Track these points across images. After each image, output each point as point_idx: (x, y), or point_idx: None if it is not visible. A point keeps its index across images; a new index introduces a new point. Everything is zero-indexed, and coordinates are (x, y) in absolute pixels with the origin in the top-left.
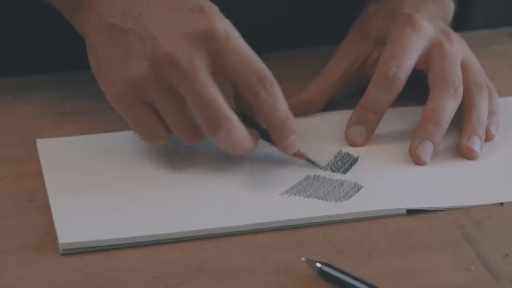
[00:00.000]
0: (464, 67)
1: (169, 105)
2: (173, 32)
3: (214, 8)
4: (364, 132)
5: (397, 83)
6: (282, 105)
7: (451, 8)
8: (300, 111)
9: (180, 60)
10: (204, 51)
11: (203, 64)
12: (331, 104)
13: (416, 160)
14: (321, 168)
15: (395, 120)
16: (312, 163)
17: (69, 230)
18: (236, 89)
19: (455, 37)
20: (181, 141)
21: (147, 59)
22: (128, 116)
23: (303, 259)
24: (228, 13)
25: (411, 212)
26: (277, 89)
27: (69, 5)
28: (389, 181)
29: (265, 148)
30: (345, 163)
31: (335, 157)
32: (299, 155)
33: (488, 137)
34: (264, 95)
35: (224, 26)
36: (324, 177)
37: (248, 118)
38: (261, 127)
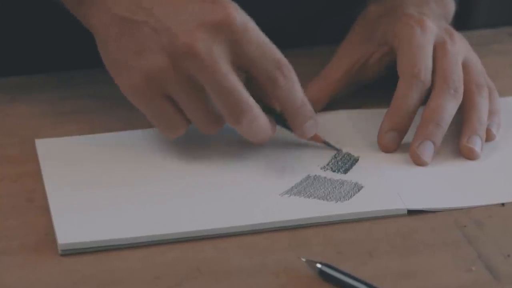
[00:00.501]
0: (465, 67)
1: (188, 96)
2: (188, 23)
3: None
4: (398, 137)
5: (428, 85)
6: (299, 92)
7: (452, 7)
8: None
9: (199, 51)
10: (222, 41)
11: (222, 54)
12: (331, 104)
13: (417, 160)
14: (338, 150)
15: None
16: (329, 145)
17: (68, 231)
18: (254, 77)
19: (458, 36)
20: (201, 130)
21: (164, 51)
22: (147, 108)
23: (303, 259)
24: None
25: (411, 212)
26: (294, 76)
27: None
28: (389, 182)
29: (266, 148)
30: (345, 163)
31: (336, 157)
32: (316, 138)
33: (488, 137)
34: (283, 82)
35: (241, 16)
36: (325, 177)
37: (264, 104)
38: (277, 112)
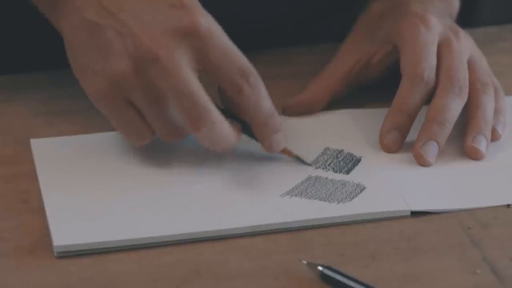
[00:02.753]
0: (470, 65)
1: (149, 103)
2: (154, 29)
3: (196, 4)
4: (401, 137)
5: (431, 84)
6: (266, 102)
7: (456, 4)
8: (300, 110)
9: (161, 56)
10: (186, 48)
11: (185, 60)
12: (332, 103)
13: (421, 160)
14: (309, 165)
15: None
16: (300, 160)
17: (64, 232)
18: (220, 86)
19: (463, 34)
20: (161, 138)
21: (127, 56)
22: (110, 114)
23: (305, 262)
24: (226, 10)
25: (415, 214)
26: (261, 85)
27: (46, 0)
28: (393, 182)
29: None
30: (347, 164)
31: (338, 157)
32: (286, 152)
33: (494, 137)
34: (248, 90)
35: (207, 22)
36: (326, 178)
37: (234, 115)
38: (247, 124)
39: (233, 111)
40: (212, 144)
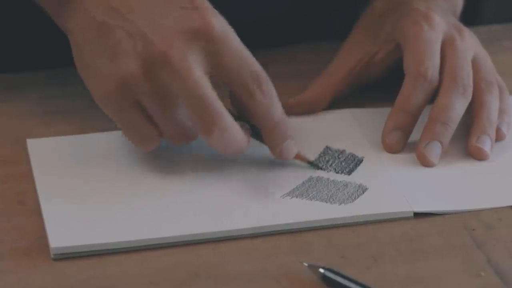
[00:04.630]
0: (474, 64)
1: (159, 106)
2: (165, 30)
3: (208, 5)
4: (403, 138)
5: (435, 84)
6: (277, 108)
7: (460, 2)
8: (301, 110)
9: (173, 58)
10: (198, 50)
11: (197, 62)
12: (334, 103)
13: (424, 161)
14: (325, 170)
15: None
16: (315, 166)
17: (61, 234)
18: (231, 90)
19: (467, 32)
20: (171, 142)
21: (137, 57)
22: (117, 117)
23: (306, 264)
24: (228, 8)
25: (418, 215)
26: (272, 90)
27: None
28: (395, 183)
29: (265, 149)
30: (349, 164)
31: (339, 158)
32: (300, 157)
33: (498, 137)
34: (260, 95)
35: (220, 24)
36: (328, 179)
37: (244, 118)
38: (257, 128)
39: (243, 115)
40: (223, 148)
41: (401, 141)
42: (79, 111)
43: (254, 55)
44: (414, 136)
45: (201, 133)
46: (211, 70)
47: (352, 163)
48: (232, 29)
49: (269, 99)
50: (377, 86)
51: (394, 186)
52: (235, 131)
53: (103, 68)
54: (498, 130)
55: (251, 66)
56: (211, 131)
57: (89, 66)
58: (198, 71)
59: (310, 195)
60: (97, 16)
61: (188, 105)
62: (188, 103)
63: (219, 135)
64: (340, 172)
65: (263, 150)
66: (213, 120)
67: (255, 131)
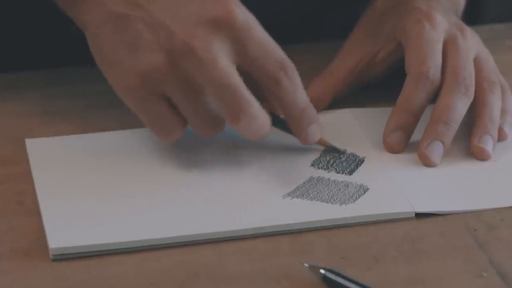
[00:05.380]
0: (477, 63)
1: (185, 96)
2: (187, 20)
3: None
4: (405, 138)
5: (437, 83)
6: (302, 94)
7: (462, 1)
8: None
9: (197, 48)
10: (222, 39)
11: (222, 51)
12: (335, 102)
13: (425, 161)
14: (343, 153)
15: None
16: (335, 149)
17: (60, 235)
18: (255, 78)
19: (469, 31)
20: (198, 133)
21: (160, 49)
22: (140, 109)
23: (306, 265)
24: None
25: (420, 215)
26: (297, 77)
27: None
28: (397, 183)
29: (266, 149)
30: (350, 164)
31: (340, 158)
32: (321, 142)
33: (501, 137)
34: (286, 82)
35: (243, 13)
36: (329, 179)
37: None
38: (279, 117)
39: (266, 105)
40: (251, 135)
41: (403, 141)
42: (79, 111)
43: None
44: (416, 136)
45: (230, 121)
46: (236, 59)
47: (353, 163)
48: (255, 18)
49: (295, 85)
50: (379, 85)
51: (395, 186)
52: (263, 118)
53: (124, 60)
54: (500, 130)
55: (276, 53)
56: (239, 119)
57: (109, 59)
58: (223, 60)
59: (311, 195)
60: (115, 8)
61: (215, 94)
62: (215, 92)
63: (248, 122)
64: (341, 172)
65: (263, 150)
66: (241, 108)
67: (280, 123)
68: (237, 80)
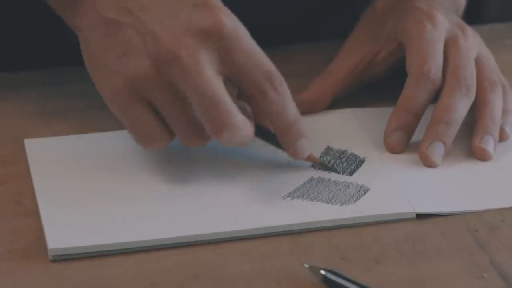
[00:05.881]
0: (478, 63)
1: (171, 104)
2: (175, 28)
3: (219, 3)
4: (406, 138)
5: (438, 83)
6: (291, 107)
7: (463, 0)
8: (302, 110)
9: (183, 56)
10: (209, 48)
11: (208, 61)
12: (335, 102)
13: (426, 161)
14: (337, 172)
15: None
16: (327, 167)
17: (59, 235)
18: (243, 89)
19: (470, 31)
20: (184, 143)
21: (147, 56)
22: (124, 115)
23: (307, 266)
24: (228, 8)
25: (421, 216)
26: (286, 89)
27: None
28: (397, 184)
29: (266, 149)
30: (351, 164)
31: (341, 158)
32: (312, 158)
33: (502, 137)
34: (273, 95)
35: (232, 22)
36: (329, 179)
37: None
38: (262, 128)
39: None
40: (231, 145)
41: (403, 141)
42: (78, 111)
43: None
44: (417, 136)
45: (211, 133)
46: (223, 70)
47: (353, 163)
48: (244, 27)
49: (283, 97)
50: (379, 85)
51: (396, 187)
52: (246, 129)
53: (112, 65)
54: (501, 130)
55: (264, 64)
56: (221, 131)
57: (98, 63)
58: (208, 70)
59: (311, 196)
60: (107, 13)
61: (199, 104)
62: (198, 102)
63: (230, 135)
64: (341, 172)
65: (263, 151)
66: (223, 120)
67: (261, 130)
68: (220, 91)
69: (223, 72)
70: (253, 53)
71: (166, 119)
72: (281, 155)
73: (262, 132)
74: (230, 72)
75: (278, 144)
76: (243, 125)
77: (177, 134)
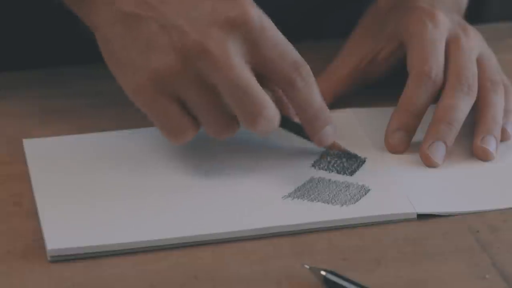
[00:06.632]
0: (480, 63)
1: (199, 97)
2: (201, 20)
3: None
4: (407, 138)
5: (439, 83)
6: (317, 95)
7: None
8: None
9: (211, 49)
10: (236, 39)
11: (237, 52)
12: (336, 102)
13: (428, 161)
14: (362, 160)
15: None
16: (351, 155)
17: (58, 236)
18: (270, 79)
19: (472, 31)
20: (212, 135)
21: (173, 49)
22: (151, 110)
23: (307, 267)
24: None
25: (422, 217)
26: (312, 78)
27: None
28: (398, 184)
29: (267, 149)
30: (351, 165)
31: (341, 158)
32: (335, 146)
33: (504, 137)
34: (301, 84)
35: (258, 14)
36: (329, 180)
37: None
38: (294, 122)
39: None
40: (264, 134)
41: (405, 142)
42: (77, 110)
43: None
44: (418, 136)
45: (246, 123)
46: (250, 60)
47: (354, 163)
48: (269, 18)
49: (310, 86)
50: (380, 85)
51: (397, 187)
52: (278, 118)
53: (136, 60)
54: (503, 130)
55: (291, 54)
56: (256, 121)
57: (120, 58)
58: (238, 61)
59: (312, 196)
60: (125, 7)
61: (231, 96)
62: (230, 93)
63: (265, 124)
64: (342, 172)
65: (263, 151)
66: (258, 110)
67: (283, 120)
68: (252, 81)
69: (251, 62)
70: (280, 43)
71: (194, 111)
72: (281, 155)
73: (284, 121)
74: (258, 62)
75: (300, 133)
76: (276, 114)
77: (206, 126)
